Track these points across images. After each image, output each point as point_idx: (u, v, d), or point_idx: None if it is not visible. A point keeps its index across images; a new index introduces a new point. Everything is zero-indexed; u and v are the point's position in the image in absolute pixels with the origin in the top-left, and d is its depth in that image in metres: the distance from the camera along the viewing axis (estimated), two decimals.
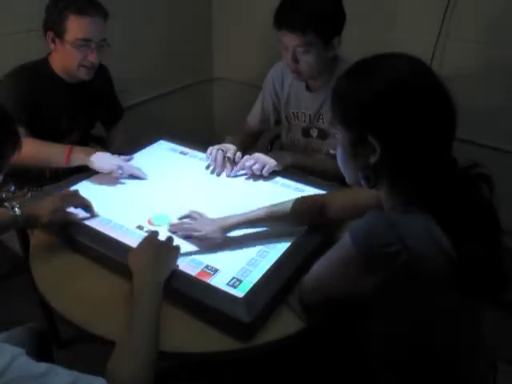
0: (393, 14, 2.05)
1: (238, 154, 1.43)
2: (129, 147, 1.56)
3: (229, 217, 1.08)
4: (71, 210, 1.11)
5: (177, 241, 1.03)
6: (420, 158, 0.73)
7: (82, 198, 1.13)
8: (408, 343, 0.79)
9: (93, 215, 1.14)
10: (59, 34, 1.34)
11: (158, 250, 0.94)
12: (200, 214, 1.13)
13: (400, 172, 0.76)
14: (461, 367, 0.80)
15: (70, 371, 0.65)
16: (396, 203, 0.79)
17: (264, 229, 1.10)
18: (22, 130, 1.21)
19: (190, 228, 1.07)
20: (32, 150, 1.20)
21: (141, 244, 0.96)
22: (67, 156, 1.28)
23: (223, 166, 1.40)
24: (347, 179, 0.85)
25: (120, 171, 1.30)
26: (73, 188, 1.27)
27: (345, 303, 0.82)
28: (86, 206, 1.13)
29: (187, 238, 1.07)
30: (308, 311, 0.89)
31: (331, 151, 0.86)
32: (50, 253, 1.09)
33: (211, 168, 1.42)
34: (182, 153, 1.53)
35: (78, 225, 1.11)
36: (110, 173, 1.29)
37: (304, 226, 1.09)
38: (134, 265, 0.90)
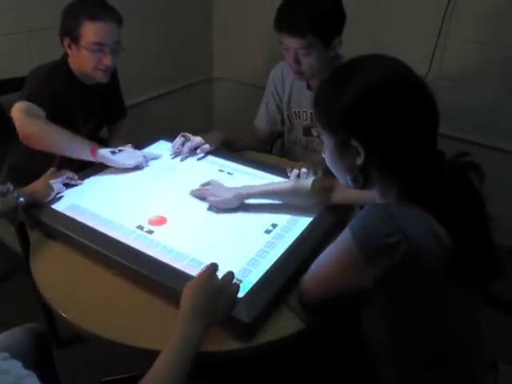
0: (393, 14, 2.05)
1: (206, 146, 1.50)
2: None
3: (247, 187, 1.22)
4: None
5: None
6: (405, 154, 0.75)
7: (69, 173, 1.28)
8: (408, 342, 0.79)
9: (77, 183, 1.30)
10: (75, 39, 1.39)
11: (209, 291, 0.81)
12: (218, 183, 1.26)
13: (388, 170, 0.77)
14: (461, 367, 0.80)
15: None
16: (390, 200, 0.79)
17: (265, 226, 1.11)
18: (39, 111, 1.32)
19: (209, 193, 1.22)
20: (59, 138, 1.31)
21: (196, 281, 0.82)
22: (93, 152, 1.34)
23: (177, 151, 1.50)
24: (340, 181, 0.86)
25: (144, 162, 1.41)
26: (73, 188, 1.29)
27: (345, 300, 0.82)
28: (71, 179, 1.29)
29: (204, 199, 1.23)
30: (308, 311, 0.89)
31: (322, 154, 0.88)
32: (49, 253, 1.09)
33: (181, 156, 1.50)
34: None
35: (78, 225, 1.11)
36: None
37: (319, 204, 1.17)
38: (184, 302, 0.80)
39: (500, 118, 1.97)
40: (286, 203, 1.20)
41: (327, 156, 0.84)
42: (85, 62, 1.41)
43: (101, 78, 1.46)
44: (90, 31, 1.36)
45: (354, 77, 0.75)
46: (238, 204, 1.20)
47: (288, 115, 1.63)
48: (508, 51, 1.85)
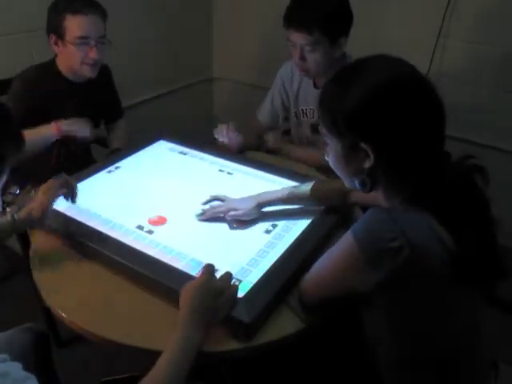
0: (393, 14, 2.05)
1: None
2: (128, 146, 1.57)
3: (262, 194, 1.15)
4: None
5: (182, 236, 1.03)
6: (414, 156, 0.74)
7: (66, 182, 1.07)
8: (408, 342, 0.79)
9: (74, 201, 1.11)
10: (60, 35, 1.40)
11: (207, 294, 0.80)
12: (225, 196, 1.19)
13: (396, 172, 0.76)
14: (461, 367, 0.80)
15: None
16: (395, 203, 0.79)
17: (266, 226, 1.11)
18: None
19: (227, 209, 1.13)
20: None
21: (192, 284, 0.81)
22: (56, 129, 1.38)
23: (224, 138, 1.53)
24: (345, 183, 0.85)
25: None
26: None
27: (345, 301, 0.82)
28: (71, 190, 1.09)
29: (220, 219, 1.13)
30: (308, 311, 0.88)
31: (326, 158, 0.86)
32: (50, 253, 1.09)
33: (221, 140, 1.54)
34: (181, 153, 1.53)
35: (78, 225, 1.11)
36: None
37: (325, 206, 1.15)
38: (182, 304, 0.79)
39: (500, 117, 1.97)
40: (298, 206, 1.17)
41: (331, 159, 0.82)
42: (71, 57, 1.42)
43: (89, 72, 1.46)
44: (74, 25, 1.36)
45: (360, 77, 0.75)
46: (259, 214, 1.14)
47: (295, 112, 1.65)
48: (508, 51, 1.85)
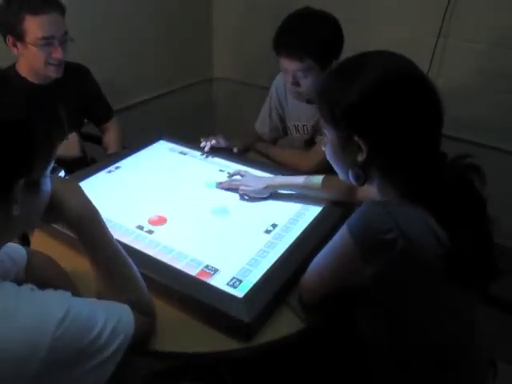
0: (393, 14, 2.05)
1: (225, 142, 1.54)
2: (128, 146, 1.57)
3: (275, 177, 1.28)
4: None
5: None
6: (408, 153, 0.74)
7: None
8: (406, 340, 0.79)
9: None
10: (19, 37, 1.31)
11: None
12: (246, 171, 1.31)
13: (390, 168, 0.77)
14: (459, 366, 0.80)
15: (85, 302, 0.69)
16: (389, 198, 0.79)
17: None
18: None
19: (241, 183, 1.25)
20: None
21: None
22: None
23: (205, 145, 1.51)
24: (339, 176, 0.86)
25: None
26: None
27: (344, 298, 0.82)
28: None
29: (236, 190, 1.26)
30: (308, 310, 0.89)
31: (322, 148, 0.87)
32: (50, 253, 1.09)
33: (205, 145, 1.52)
34: (181, 153, 1.53)
35: None
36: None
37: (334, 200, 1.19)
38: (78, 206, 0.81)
39: (500, 117, 1.97)
40: (313, 196, 1.22)
41: (328, 150, 0.83)
42: (34, 59, 1.34)
43: (54, 73, 1.39)
44: (35, 26, 1.27)
45: (361, 73, 0.75)
46: (269, 194, 1.24)
47: (288, 127, 1.63)
48: (508, 51, 1.85)
